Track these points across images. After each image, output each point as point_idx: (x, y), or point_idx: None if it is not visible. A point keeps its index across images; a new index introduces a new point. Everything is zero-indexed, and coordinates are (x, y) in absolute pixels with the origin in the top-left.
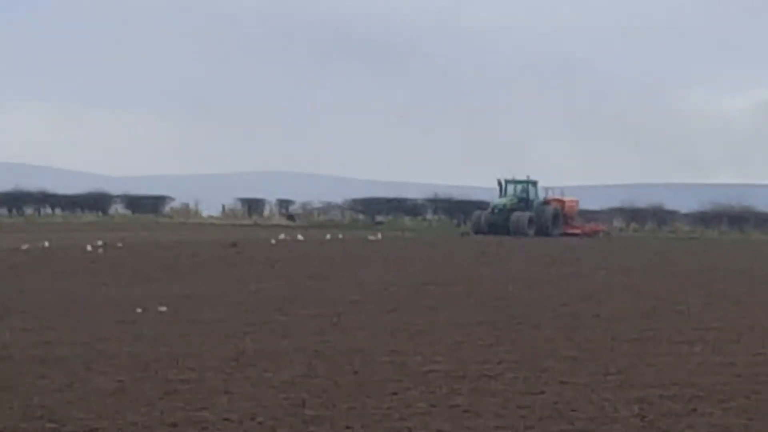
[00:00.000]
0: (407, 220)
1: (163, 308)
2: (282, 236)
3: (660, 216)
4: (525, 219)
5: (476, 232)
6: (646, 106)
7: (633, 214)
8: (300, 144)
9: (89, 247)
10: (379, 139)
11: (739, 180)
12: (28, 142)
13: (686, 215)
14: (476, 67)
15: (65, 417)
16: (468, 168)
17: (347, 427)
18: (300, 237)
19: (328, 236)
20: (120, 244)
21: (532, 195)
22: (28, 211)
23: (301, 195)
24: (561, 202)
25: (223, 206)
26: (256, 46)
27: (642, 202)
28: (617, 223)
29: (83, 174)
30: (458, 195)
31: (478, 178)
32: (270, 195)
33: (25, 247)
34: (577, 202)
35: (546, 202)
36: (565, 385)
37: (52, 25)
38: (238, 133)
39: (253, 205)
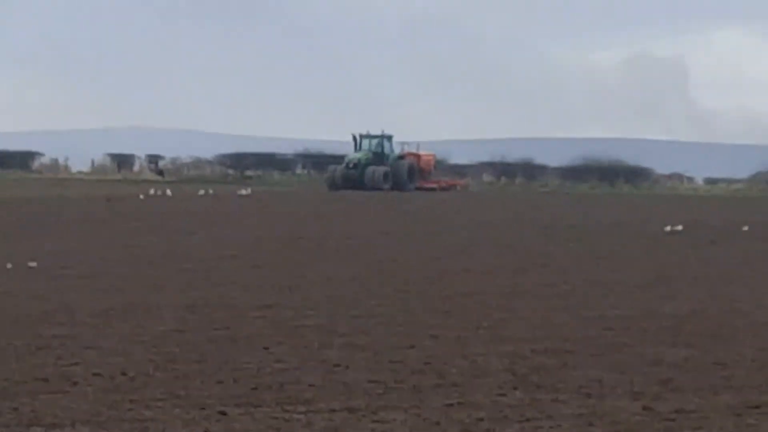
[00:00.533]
0: (277, 175)
1: (33, 264)
2: (152, 191)
3: (530, 171)
4: (380, 173)
5: (331, 187)
6: (515, 60)
7: (503, 169)
8: (169, 99)
9: None
10: (249, 95)
11: (607, 134)
12: None
13: (556, 170)
14: (345, 22)
15: None
16: (337, 124)
17: (218, 382)
18: (168, 192)
19: (202, 192)
20: None
21: (387, 149)
22: None
23: (171, 150)
24: (417, 156)
25: (92, 161)
26: (122, 1)
27: (512, 156)
28: (487, 177)
29: None
30: (328, 150)
31: (347, 134)
32: (139, 150)
33: None
34: (433, 156)
35: (401, 157)
36: (436, 339)
37: None
38: (107, 87)
39: (122, 161)
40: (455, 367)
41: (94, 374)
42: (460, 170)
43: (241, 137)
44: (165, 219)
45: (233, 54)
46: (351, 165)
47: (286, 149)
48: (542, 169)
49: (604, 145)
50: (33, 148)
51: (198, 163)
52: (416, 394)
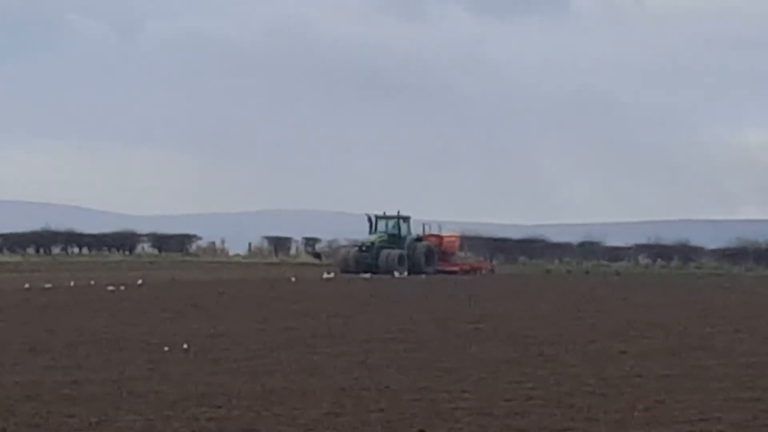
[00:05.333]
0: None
1: (185, 346)
2: (328, 275)
3: (686, 252)
4: (395, 256)
5: (343, 271)
6: (670, 140)
7: (659, 251)
8: (326, 182)
9: (110, 287)
10: (404, 178)
11: (762, 216)
12: (54, 182)
13: (712, 251)
14: (499, 104)
15: None
16: (494, 205)
17: None
18: (326, 275)
19: (367, 275)
20: (140, 282)
21: (404, 231)
22: (56, 250)
23: (327, 233)
24: (438, 238)
25: (250, 244)
26: (280, 84)
27: (668, 238)
28: (643, 259)
29: (110, 213)
30: (486, 232)
31: (504, 216)
32: (296, 233)
33: (48, 285)
34: (457, 238)
35: (419, 239)
36: (592, 422)
37: (74, 63)
38: (264, 171)
39: (279, 244)
40: None
41: None
42: (615, 253)
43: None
44: (320, 301)
45: (388, 137)
46: (364, 248)
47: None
48: (698, 251)
49: (761, 226)
50: (191, 231)
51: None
52: None
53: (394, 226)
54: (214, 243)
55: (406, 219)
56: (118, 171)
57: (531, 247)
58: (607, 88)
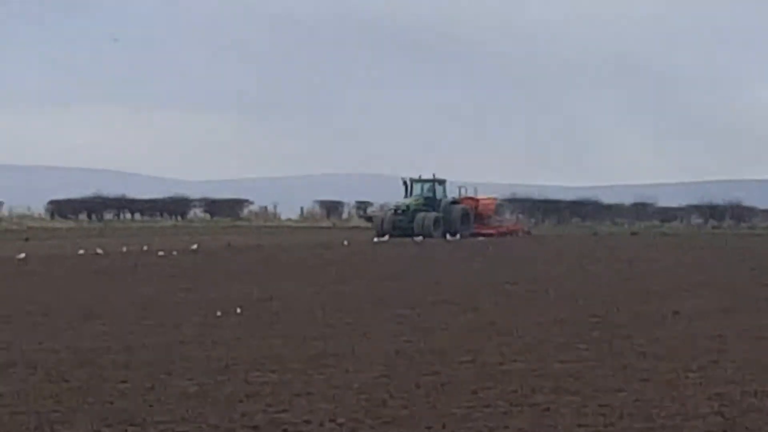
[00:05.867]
0: None
1: (238, 310)
2: (380, 238)
3: (738, 213)
4: (431, 219)
5: (378, 235)
6: (717, 101)
7: (711, 211)
8: (378, 146)
9: (162, 253)
10: (454, 140)
11: None
12: (106, 148)
13: (764, 211)
14: (544, 65)
15: (147, 420)
16: (543, 167)
17: (427, 428)
18: (377, 238)
19: (419, 238)
20: (194, 247)
21: (439, 194)
22: (108, 216)
23: (379, 197)
24: (474, 201)
25: (302, 209)
26: (334, 50)
27: (718, 198)
28: (695, 219)
29: (162, 179)
30: (536, 195)
31: (554, 178)
32: (348, 197)
33: (100, 251)
34: (493, 200)
35: (455, 202)
36: (645, 383)
37: (128, 29)
38: (316, 135)
39: (331, 208)
40: (664, 411)
41: (305, 421)
42: (667, 213)
43: (449, 183)
44: (373, 265)
45: (442, 100)
46: (400, 211)
47: (490, 193)
48: (750, 211)
49: None
50: (243, 195)
51: None
52: None
53: (429, 189)
54: (266, 208)
55: (442, 182)
56: (167, 137)
57: (582, 209)
58: (656, 49)
